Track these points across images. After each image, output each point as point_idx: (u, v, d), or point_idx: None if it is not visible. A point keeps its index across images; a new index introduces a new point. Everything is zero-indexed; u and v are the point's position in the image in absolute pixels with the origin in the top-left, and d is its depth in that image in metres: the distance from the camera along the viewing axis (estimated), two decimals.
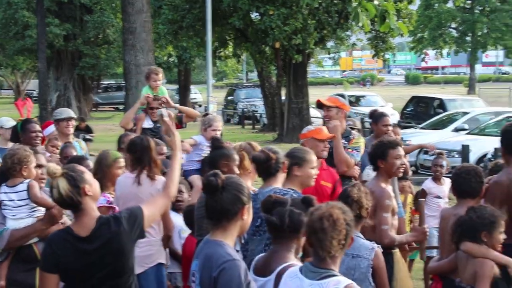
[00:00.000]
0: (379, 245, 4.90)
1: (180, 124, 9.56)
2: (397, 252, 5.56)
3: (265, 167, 5.05)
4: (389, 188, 5.64)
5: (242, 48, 28.92)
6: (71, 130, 8.39)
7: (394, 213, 5.65)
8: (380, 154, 5.67)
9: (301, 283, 3.52)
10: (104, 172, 5.87)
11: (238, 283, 3.50)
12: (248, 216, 3.73)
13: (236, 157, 5.57)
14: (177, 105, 9.58)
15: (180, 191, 6.59)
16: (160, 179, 5.88)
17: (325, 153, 6.49)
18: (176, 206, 6.57)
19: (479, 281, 4.73)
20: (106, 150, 6.20)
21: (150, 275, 5.87)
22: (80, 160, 6.27)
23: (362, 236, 4.90)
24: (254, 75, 67.61)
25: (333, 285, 3.47)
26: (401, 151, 5.73)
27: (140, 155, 5.85)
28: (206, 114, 8.80)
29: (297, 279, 3.54)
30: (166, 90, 10.23)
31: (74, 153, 7.38)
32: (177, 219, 6.44)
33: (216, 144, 5.73)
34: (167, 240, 6.02)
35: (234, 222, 3.68)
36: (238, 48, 29.65)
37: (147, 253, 5.87)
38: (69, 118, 8.29)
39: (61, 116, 8.28)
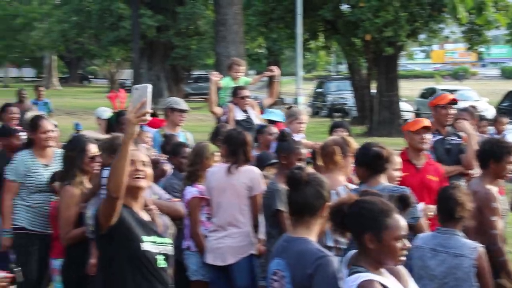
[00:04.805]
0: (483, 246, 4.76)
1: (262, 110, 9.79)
2: None
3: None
4: (494, 189, 5.50)
5: (332, 40, 28.74)
6: (183, 122, 8.42)
7: (501, 216, 5.52)
8: (495, 155, 5.53)
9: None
10: (201, 163, 6.13)
11: (333, 279, 3.50)
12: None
13: (303, 151, 5.83)
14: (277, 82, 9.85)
15: None
16: (252, 169, 6.01)
17: (425, 146, 6.38)
18: None
19: None
20: (203, 142, 6.40)
21: (243, 265, 5.91)
22: (180, 146, 6.49)
23: (464, 235, 4.78)
24: (342, 67, 67.12)
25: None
26: None
27: (235, 148, 5.96)
28: (291, 107, 8.84)
29: None
30: (250, 80, 10.37)
31: None
32: None
33: (281, 137, 6.00)
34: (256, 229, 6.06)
35: (315, 218, 3.68)
36: (328, 40, 29.47)
37: (241, 243, 5.94)
38: (185, 111, 8.32)
39: (178, 106, 8.28)
